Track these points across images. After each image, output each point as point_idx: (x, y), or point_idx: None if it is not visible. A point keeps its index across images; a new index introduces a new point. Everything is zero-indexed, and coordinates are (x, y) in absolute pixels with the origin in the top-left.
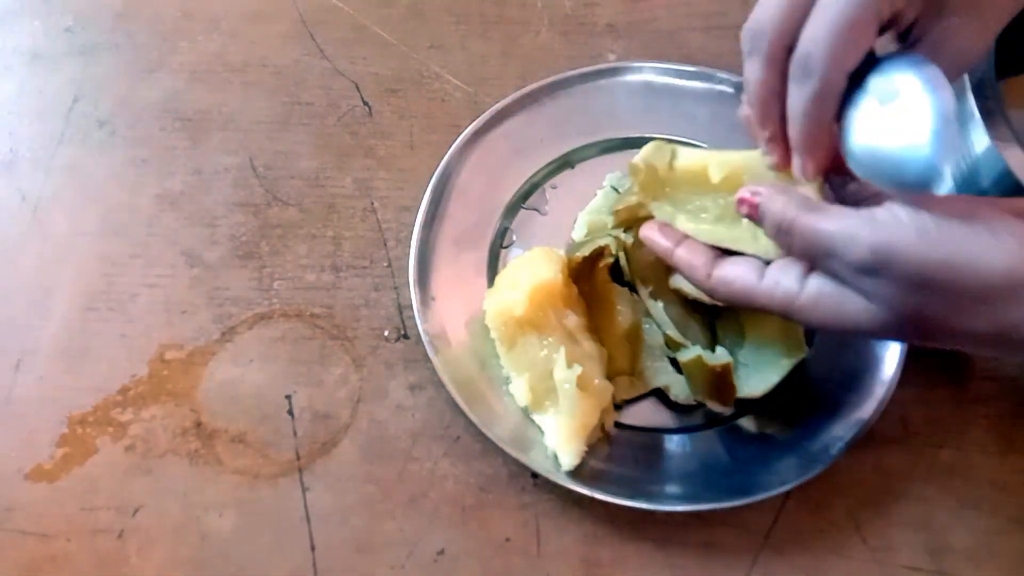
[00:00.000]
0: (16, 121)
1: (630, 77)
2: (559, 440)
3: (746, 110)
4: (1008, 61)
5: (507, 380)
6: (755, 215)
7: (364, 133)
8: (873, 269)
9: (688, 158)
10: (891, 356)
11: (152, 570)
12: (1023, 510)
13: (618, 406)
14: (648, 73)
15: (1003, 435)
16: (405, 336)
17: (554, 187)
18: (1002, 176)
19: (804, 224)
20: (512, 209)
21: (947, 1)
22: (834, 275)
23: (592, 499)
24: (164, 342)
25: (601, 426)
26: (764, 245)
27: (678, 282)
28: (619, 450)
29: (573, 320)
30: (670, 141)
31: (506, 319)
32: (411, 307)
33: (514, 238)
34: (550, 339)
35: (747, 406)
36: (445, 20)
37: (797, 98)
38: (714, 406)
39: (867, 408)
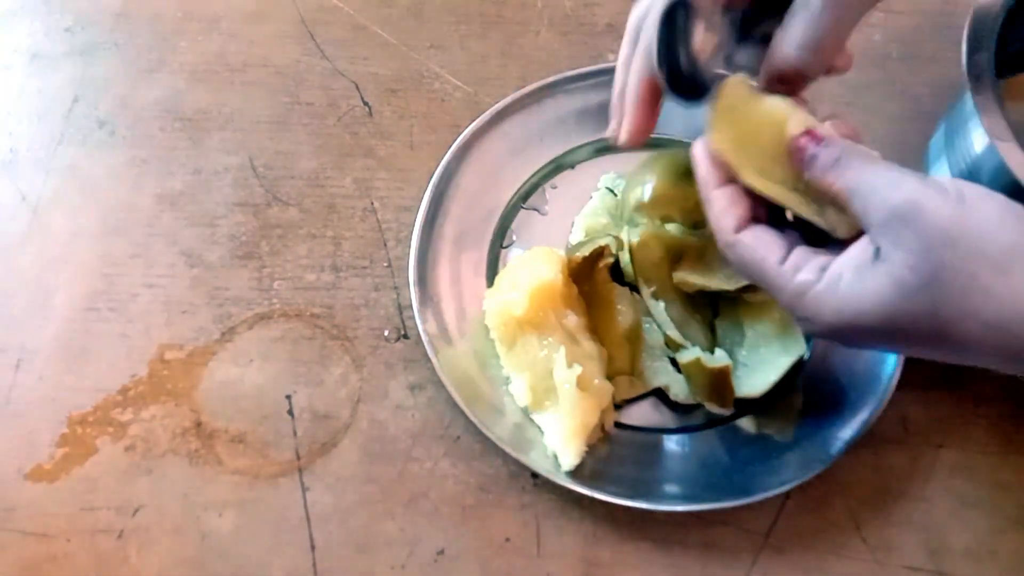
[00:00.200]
0: (16, 121)
1: None
2: (559, 440)
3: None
4: (1008, 61)
5: (507, 380)
6: (811, 147)
7: (364, 133)
8: (905, 217)
9: (771, 106)
10: (891, 356)
11: (152, 570)
12: (1023, 510)
13: (618, 406)
14: None
15: (1003, 435)
16: (405, 336)
17: (554, 187)
18: (1001, 175)
19: (859, 161)
20: (512, 209)
21: None
22: (863, 216)
23: (592, 499)
24: (164, 342)
25: (601, 426)
26: (831, 220)
27: (684, 275)
28: (619, 450)
29: (573, 320)
30: (670, 141)
31: (506, 319)
32: (411, 307)
33: (514, 238)
34: (550, 339)
35: (747, 406)
36: (445, 20)
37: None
38: (713, 408)
39: (867, 408)
